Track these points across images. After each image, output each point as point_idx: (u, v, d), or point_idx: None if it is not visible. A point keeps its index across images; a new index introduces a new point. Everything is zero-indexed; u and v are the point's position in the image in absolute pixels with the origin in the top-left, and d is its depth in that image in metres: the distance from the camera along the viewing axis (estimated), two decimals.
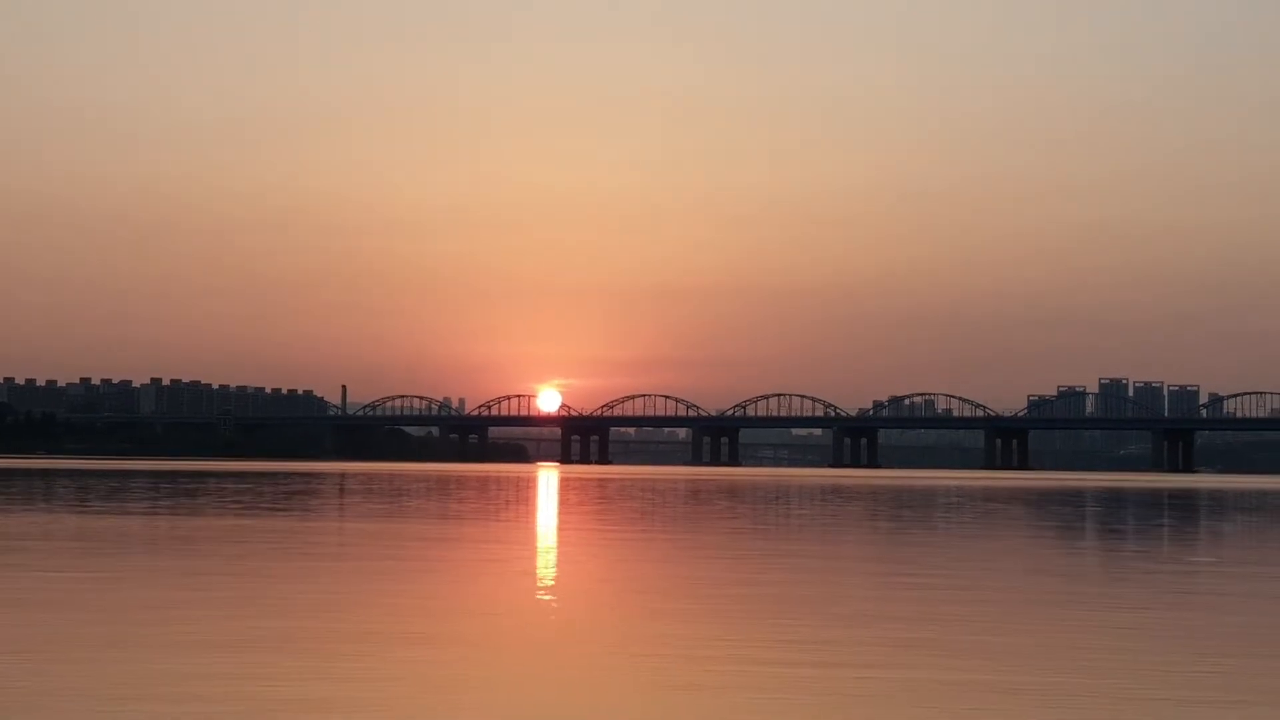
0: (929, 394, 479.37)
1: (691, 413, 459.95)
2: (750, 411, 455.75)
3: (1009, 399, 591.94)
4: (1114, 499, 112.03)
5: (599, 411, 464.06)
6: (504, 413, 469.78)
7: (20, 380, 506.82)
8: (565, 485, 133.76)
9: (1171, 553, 46.68)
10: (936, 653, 21.02)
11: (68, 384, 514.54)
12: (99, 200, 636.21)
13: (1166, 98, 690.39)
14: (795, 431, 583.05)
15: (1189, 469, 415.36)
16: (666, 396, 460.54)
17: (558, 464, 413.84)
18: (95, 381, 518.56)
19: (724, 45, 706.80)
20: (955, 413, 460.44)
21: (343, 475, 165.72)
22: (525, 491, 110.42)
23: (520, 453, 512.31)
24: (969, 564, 39.67)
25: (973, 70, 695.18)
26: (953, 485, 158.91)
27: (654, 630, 23.66)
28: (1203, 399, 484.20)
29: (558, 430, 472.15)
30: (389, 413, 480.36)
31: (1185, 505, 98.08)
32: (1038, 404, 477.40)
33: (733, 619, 25.30)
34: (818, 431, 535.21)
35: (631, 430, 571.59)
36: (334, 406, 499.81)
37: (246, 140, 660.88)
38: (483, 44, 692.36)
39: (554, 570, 36.01)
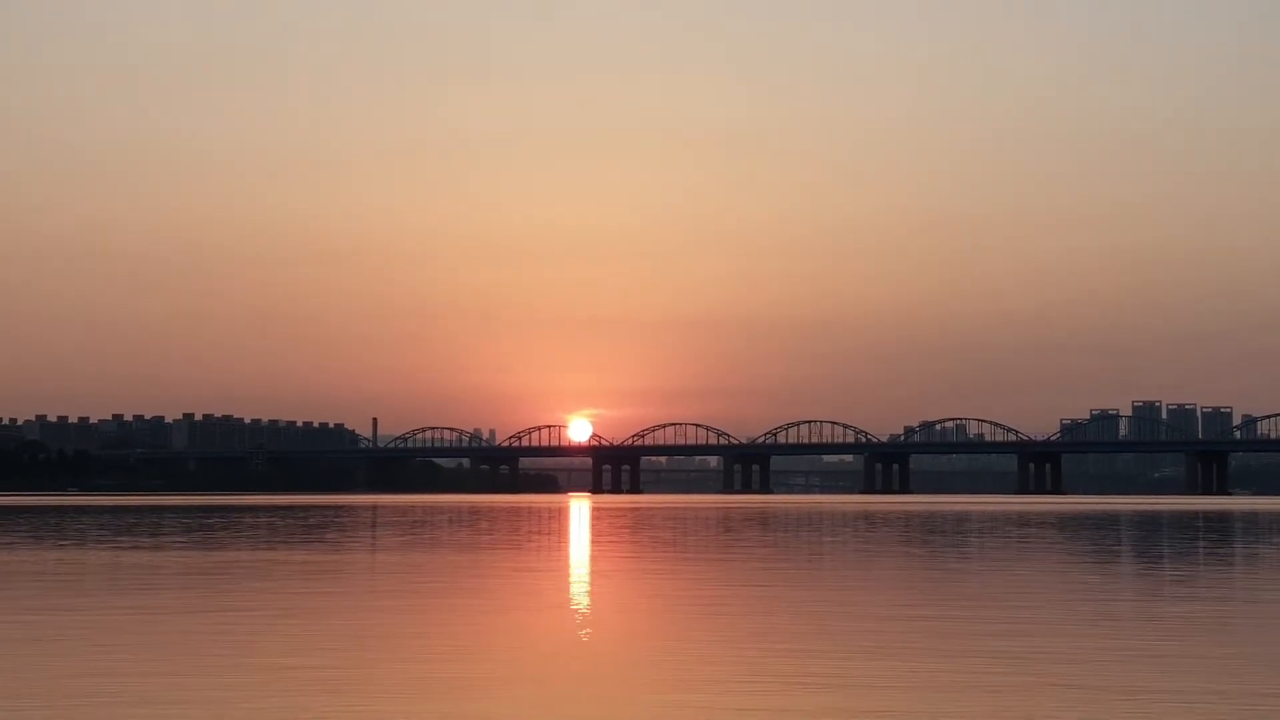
0: (960, 419, 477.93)
1: (722, 441, 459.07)
2: (781, 439, 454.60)
3: (1041, 423, 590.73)
4: (1153, 523, 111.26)
5: (630, 441, 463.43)
6: (535, 443, 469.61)
7: (52, 417, 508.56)
8: (597, 515, 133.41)
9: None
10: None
11: (100, 420, 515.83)
12: (128, 239, 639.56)
13: (1195, 121, 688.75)
14: (826, 458, 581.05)
15: (1223, 491, 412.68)
16: (697, 425, 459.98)
17: (589, 494, 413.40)
18: (127, 417, 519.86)
19: (754, 79, 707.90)
20: (987, 437, 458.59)
21: (374, 508, 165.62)
22: (557, 522, 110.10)
23: (551, 483, 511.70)
24: (999, 596, 39.19)
25: (999, 97, 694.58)
26: (986, 511, 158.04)
27: (693, 674, 23.34)
28: (1236, 420, 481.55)
29: (589, 460, 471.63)
30: (420, 445, 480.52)
31: (1225, 529, 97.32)
32: (1070, 428, 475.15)
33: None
34: (849, 458, 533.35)
35: (662, 459, 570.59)
36: (365, 439, 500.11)
37: (276, 176, 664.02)
38: (515, 79, 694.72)
39: (589, 605, 35.69)
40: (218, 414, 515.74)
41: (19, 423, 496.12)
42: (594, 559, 57.55)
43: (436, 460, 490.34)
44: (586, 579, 44.88)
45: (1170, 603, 36.41)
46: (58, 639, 27.18)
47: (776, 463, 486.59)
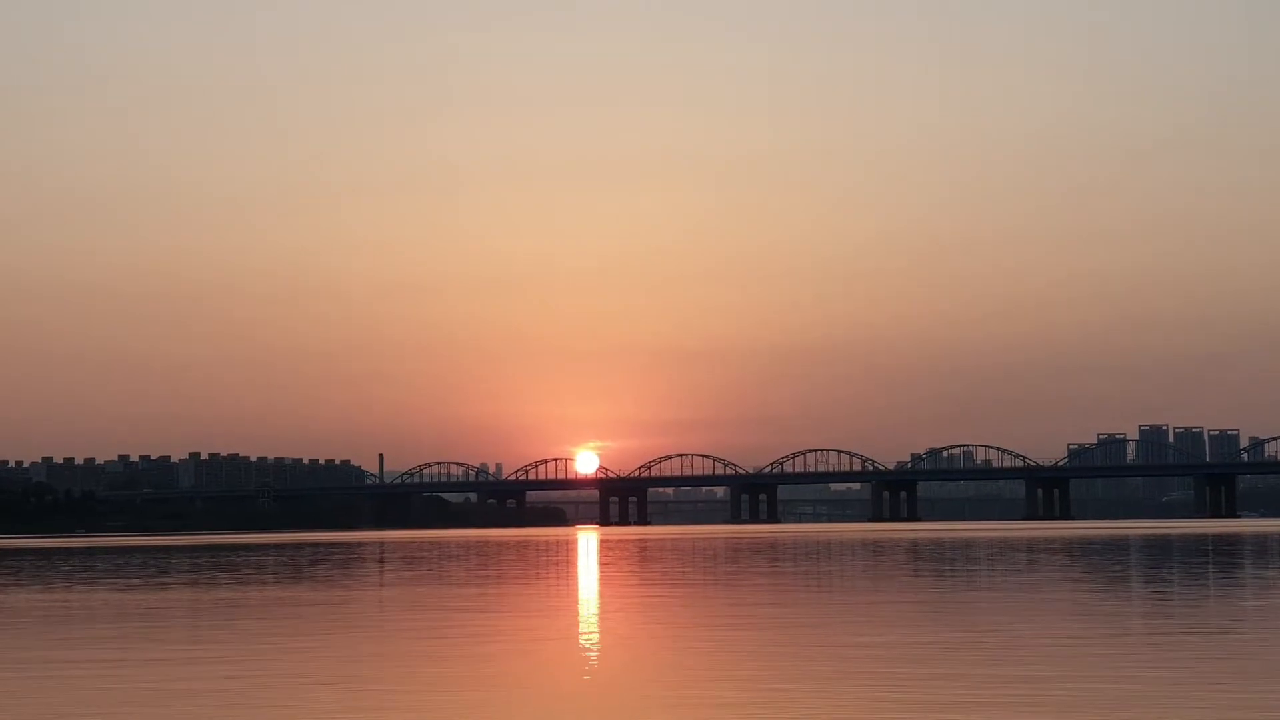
0: (967, 445, 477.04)
1: (729, 471, 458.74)
2: (788, 468, 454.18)
3: (1049, 448, 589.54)
4: (1163, 547, 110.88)
5: (637, 472, 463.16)
6: (542, 476, 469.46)
7: (59, 459, 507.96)
8: (605, 548, 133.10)
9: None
10: None
11: (106, 462, 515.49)
12: (132, 279, 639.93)
13: (1195, 143, 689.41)
14: (834, 487, 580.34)
15: (1232, 514, 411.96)
16: (704, 455, 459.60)
17: (597, 526, 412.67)
18: (134, 458, 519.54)
19: (754, 108, 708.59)
20: (994, 463, 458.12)
21: (382, 544, 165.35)
22: (565, 555, 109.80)
23: (559, 516, 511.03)
24: (1012, 626, 38.97)
25: (1001, 121, 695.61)
26: (994, 537, 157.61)
27: (700, 706, 23.19)
28: (1243, 443, 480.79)
29: (596, 492, 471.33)
30: (427, 480, 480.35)
31: (1237, 552, 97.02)
32: (1078, 452, 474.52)
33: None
34: (856, 486, 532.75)
35: (670, 490, 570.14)
36: (372, 475, 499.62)
37: (279, 215, 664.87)
38: (517, 111, 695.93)
39: (596, 638, 35.51)
40: (224, 453, 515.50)
41: (25, 465, 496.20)
42: (602, 592, 57.33)
43: (444, 495, 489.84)
44: (595, 612, 44.69)
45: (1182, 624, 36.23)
46: (64, 679, 27.05)
47: (784, 492, 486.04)
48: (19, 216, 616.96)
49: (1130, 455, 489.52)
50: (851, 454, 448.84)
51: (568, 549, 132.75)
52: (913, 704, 22.14)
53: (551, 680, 26.47)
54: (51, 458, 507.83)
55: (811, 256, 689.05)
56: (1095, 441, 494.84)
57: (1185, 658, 28.54)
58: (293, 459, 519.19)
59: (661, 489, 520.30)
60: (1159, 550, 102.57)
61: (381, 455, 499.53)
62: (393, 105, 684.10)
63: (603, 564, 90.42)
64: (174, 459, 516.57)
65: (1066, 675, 25.51)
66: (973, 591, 52.90)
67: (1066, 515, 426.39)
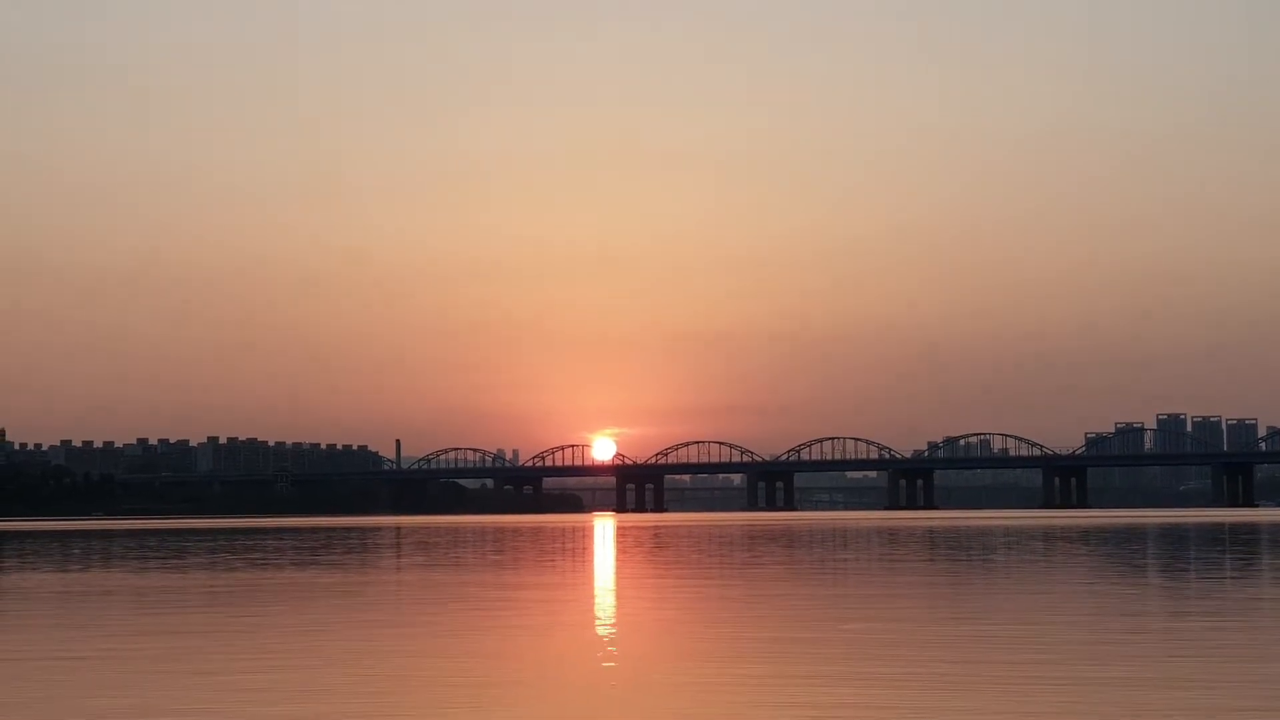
0: (984, 434, 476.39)
1: (745, 458, 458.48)
2: (804, 455, 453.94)
3: (1066, 437, 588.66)
4: (1179, 536, 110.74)
5: (653, 459, 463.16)
6: (558, 463, 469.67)
7: (78, 442, 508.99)
8: (621, 535, 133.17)
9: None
10: None
11: (125, 445, 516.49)
12: (152, 264, 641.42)
13: (1215, 129, 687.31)
14: (850, 474, 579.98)
15: (1249, 503, 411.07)
16: (720, 443, 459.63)
17: (613, 513, 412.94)
18: (152, 442, 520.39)
19: (764, 100, 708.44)
20: (1011, 452, 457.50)
21: (399, 529, 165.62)
22: (582, 542, 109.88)
23: (575, 503, 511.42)
24: (1028, 615, 38.91)
25: (1017, 110, 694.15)
26: (1012, 525, 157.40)
27: (717, 699, 23.19)
28: (1261, 432, 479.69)
29: (612, 479, 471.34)
30: (443, 466, 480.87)
31: (1254, 542, 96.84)
32: (1095, 441, 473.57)
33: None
34: (873, 474, 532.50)
35: (686, 477, 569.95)
36: (389, 461, 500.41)
37: (297, 203, 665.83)
38: (532, 102, 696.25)
39: (614, 626, 35.54)
40: (242, 437, 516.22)
41: (44, 448, 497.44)
42: (619, 579, 57.38)
43: (460, 481, 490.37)
44: (611, 599, 44.73)
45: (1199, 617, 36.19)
46: (81, 660, 27.14)
47: (800, 479, 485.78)
48: (41, 203, 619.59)
49: (1148, 444, 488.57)
50: (868, 442, 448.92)
51: (584, 535, 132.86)
52: (926, 692, 22.15)
53: (569, 668, 26.50)
54: (70, 441, 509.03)
55: (828, 245, 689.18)
56: (1113, 430, 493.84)
57: (1201, 646, 28.51)
58: (310, 444, 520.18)
59: (678, 476, 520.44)
60: (1176, 539, 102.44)
61: (399, 441, 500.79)
62: (411, 97, 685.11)
63: (619, 551, 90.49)
64: (193, 443, 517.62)
65: (1083, 664, 25.51)
66: (989, 579, 52.86)
67: (1083, 504, 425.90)
